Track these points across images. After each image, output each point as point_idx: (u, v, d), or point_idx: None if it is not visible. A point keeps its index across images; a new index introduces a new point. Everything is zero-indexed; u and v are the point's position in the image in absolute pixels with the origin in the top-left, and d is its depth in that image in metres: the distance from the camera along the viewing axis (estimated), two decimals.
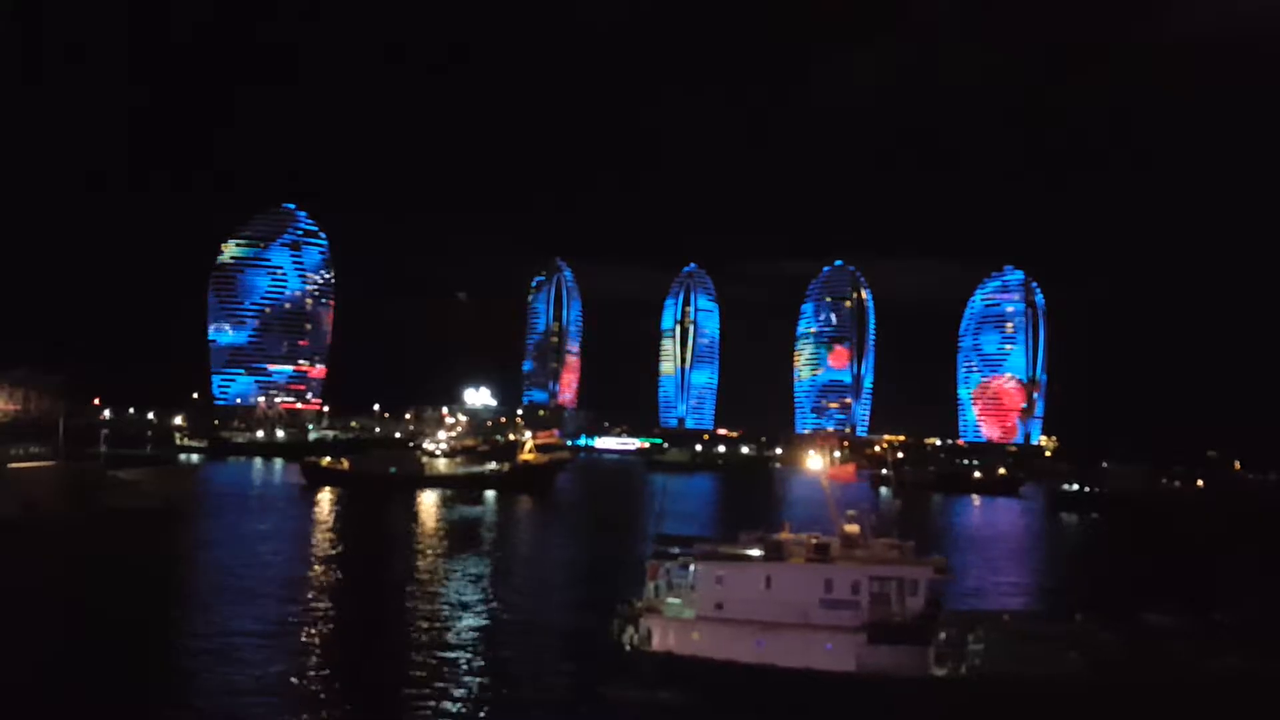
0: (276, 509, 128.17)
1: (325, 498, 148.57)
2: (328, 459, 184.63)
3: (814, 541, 45.39)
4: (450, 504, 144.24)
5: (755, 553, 45.52)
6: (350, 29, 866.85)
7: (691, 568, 44.44)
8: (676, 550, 45.69)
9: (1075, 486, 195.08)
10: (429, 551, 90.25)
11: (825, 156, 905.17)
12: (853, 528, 46.12)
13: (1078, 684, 38.82)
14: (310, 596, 65.50)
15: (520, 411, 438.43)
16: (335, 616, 59.45)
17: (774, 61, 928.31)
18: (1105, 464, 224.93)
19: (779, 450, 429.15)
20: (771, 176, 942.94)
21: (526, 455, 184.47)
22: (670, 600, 44.76)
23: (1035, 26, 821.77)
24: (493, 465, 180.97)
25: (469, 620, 58.54)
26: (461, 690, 44.37)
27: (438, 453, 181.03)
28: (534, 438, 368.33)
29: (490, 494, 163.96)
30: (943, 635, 41.61)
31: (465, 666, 48.28)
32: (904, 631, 41.32)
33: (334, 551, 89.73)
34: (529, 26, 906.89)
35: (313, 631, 55.18)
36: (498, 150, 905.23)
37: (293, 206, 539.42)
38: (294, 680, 45.08)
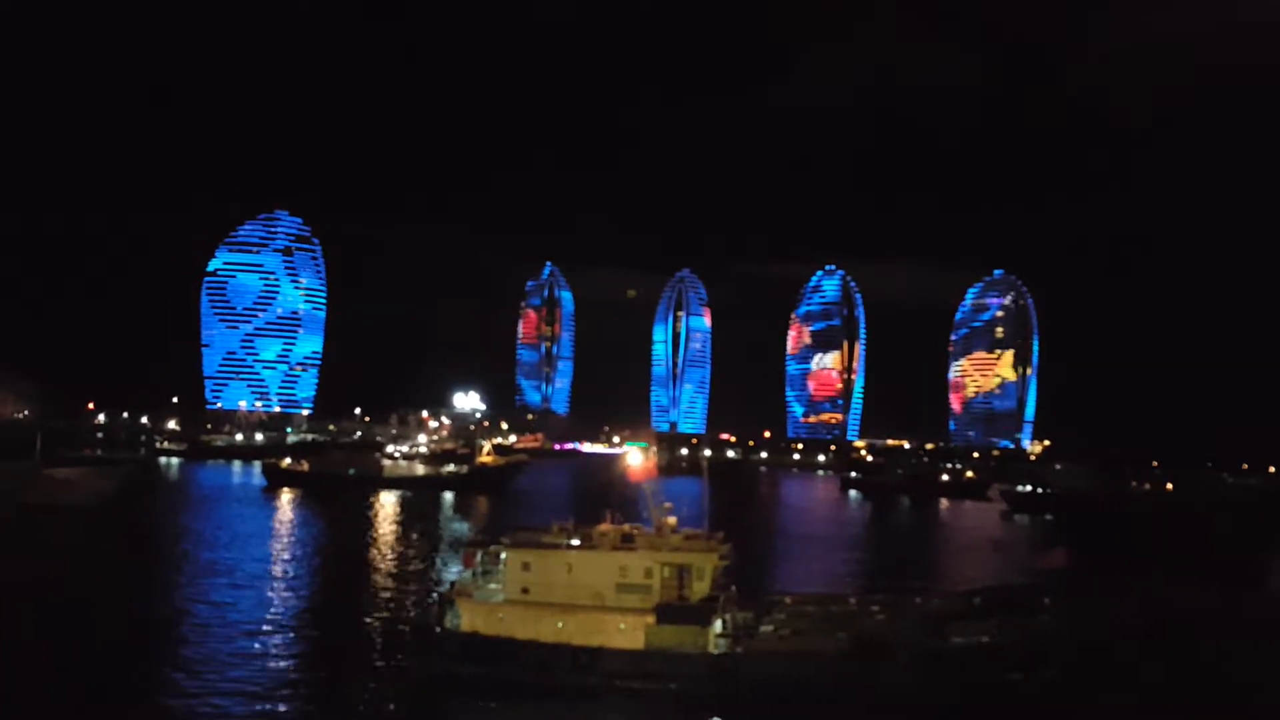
0: (225, 507, 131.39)
1: (285, 499, 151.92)
2: (288, 460, 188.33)
3: (631, 531, 49.24)
4: (405, 504, 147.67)
5: (575, 541, 49.09)
6: (341, 32, 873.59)
7: (502, 555, 47.88)
8: (490, 539, 49.06)
9: (1029, 488, 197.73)
10: (348, 549, 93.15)
11: (818, 159, 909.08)
12: (670, 520, 49.84)
13: (842, 655, 42.37)
14: (178, 590, 67.03)
15: (492, 414, 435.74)
16: (203, 607, 61.40)
17: (768, 61, 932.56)
18: (1058, 465, 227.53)
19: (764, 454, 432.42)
20: (764, 179, 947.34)
21: (485, 458, 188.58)
22: (489, 585, 48.26)
23: (1031, 26, 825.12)
24: (451, 467, 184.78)
25: (322, 611, 61.19)
26: (279, 669, 47.82)
27: (397, 455, 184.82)
28: (518, 441, 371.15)
29: (449, 495, 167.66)
30: (726, 616, 45.13)
31: (296, 650, 51.69)
32: (687, 613, 44.82)
33: (249, 548, 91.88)
34: (505, 28, 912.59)
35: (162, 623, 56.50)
36: (489, 154, 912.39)
37: (285, 213, 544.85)
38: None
